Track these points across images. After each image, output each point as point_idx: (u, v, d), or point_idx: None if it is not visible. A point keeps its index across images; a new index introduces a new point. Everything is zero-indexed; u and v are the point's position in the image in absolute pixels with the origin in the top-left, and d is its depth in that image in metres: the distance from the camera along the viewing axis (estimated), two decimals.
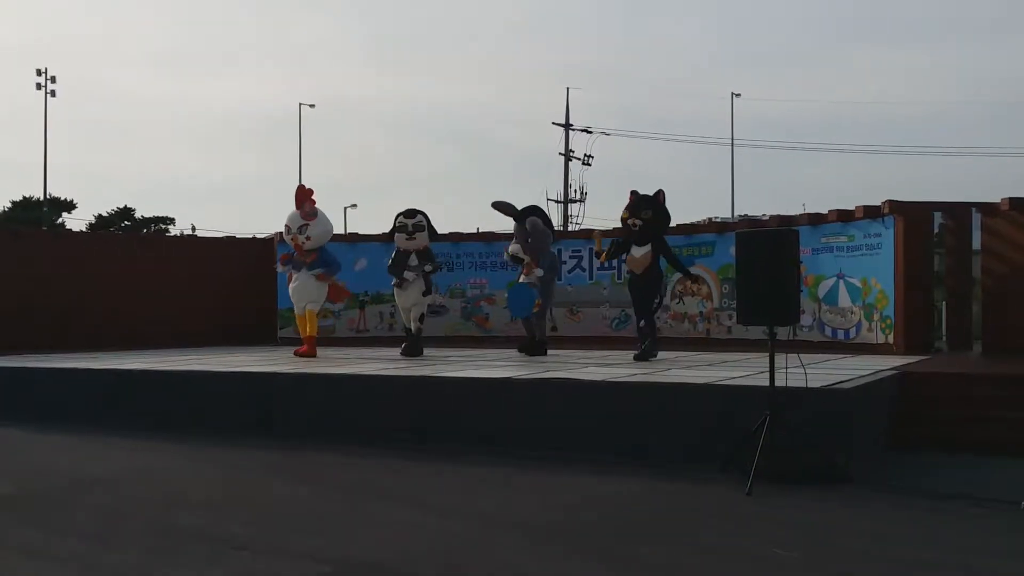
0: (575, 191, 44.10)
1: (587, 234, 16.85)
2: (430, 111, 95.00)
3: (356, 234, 17.27)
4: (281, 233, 13.21)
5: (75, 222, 45.10)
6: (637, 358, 10.60)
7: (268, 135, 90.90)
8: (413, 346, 12.38)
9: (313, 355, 12.29)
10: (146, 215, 45.97)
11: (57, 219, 43.40)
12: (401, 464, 8.10)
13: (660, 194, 10.98)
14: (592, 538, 5.82)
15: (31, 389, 10.99)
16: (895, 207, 12.89)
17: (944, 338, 13.69)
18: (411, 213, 12.58)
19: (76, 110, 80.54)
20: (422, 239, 12.48)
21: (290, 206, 12.68)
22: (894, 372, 9.17)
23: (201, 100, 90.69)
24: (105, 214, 45.32)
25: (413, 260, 12.48)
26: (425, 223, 12.49)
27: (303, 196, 12.61)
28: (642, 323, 11.05)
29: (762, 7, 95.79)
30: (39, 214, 40.94)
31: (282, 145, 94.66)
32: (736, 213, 43.31)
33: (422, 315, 12.67)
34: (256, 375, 10.06)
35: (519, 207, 12.53)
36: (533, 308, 11.87)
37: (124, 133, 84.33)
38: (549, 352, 12.17)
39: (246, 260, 16.80)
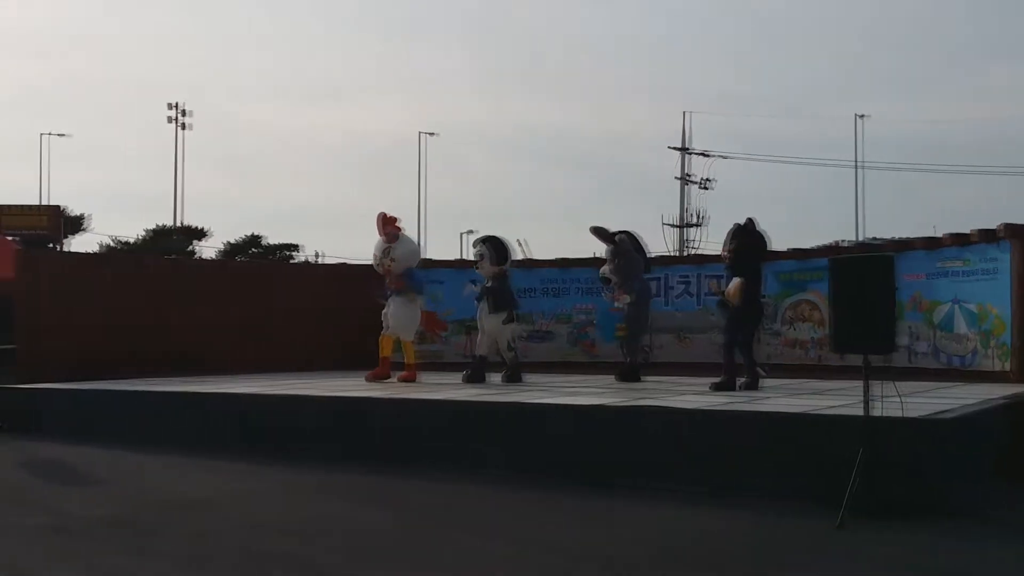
0: (693, 216, 43.71)
1: (696, 260, 16.67)
2: (548, 136, 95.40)
3: (463, 260, 17.40)
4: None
5: (207, 249, 46.87)
6: (743, 387, 10.36)
7: (392, 162, 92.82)
8: (512, 372, 12.36)
9: (414, 379, 12.48)
10: (273, 242, 47.45)
11: (189, 247, 45.16)
12: (491, 493, 8.08)
13: (749, 222, 10.81)
14: (680, 573, 5.71)
15: (143, 412, 11.41)
16: (1011, 231, 12.31)
17: None
18: (476, 243, 12.68)
19: (212, 141, 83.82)
20: (485, 267, 12.46)
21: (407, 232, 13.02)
22: (1004, 401, 8.75)
23: (328, 129, 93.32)
24: (235, 241, 47.00)
25: (486, 283, 12.52)
26: (486, 252, 12.40)
27: (384, 222, 12.80)
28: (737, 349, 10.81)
29: (885, 26, 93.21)
30: (171, 242, 42.66)
31: (405, 172, 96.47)
32: (866, 236, 42.18)
33: (509, 343, 12.53)
34: (351, 399, 10.23)
35: (632, 232, 12.50)
36: (616, 332, 11.82)
37: (256, 162, 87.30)
38: (650, 379, 12.03)
39: (358, 286, 17.09)
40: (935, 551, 6.04)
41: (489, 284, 12.52)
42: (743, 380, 10.44)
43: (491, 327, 12.42)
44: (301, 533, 6.75)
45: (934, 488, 6.86)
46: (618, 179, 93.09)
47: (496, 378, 12.35)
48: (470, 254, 13.53)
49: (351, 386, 11.87)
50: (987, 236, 12.72)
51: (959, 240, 13.26)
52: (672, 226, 42.88)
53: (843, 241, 34.80)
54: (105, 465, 9.75)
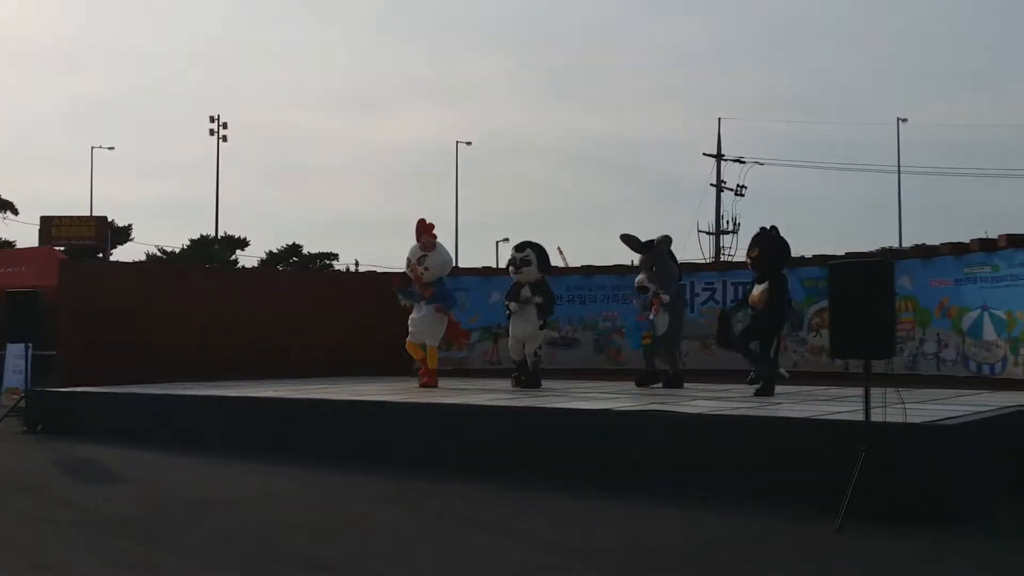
0: (727, 222, 43.64)
1: (721, 266, 16.71)
2: (582, 143, 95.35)
3: (489, 268, 17.62)
4: (400, 274, 13.82)
5: (248, 259, 47.56)
6: (758, 393, 10.48)
7: (428, 171, 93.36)
8: (531, 378, 12.50)
9: (435, 385, 12.70)
10: (312, 251, 48.00)
11: (231, 256, 45.82)
12: (504, 495, 8.25)
13: (773, 229, 10.96)
14: (665, 572, 5.82)
15: (174, 415, 11.77)
16: None
17: None
18: (520, 247, 12.80)
19: (253, 152, 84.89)
20: (528, 273, 12.55)
21: (442, 239, 13.29)
22: (1021, 409, 8.72)
23: (365, 138, 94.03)
24: (275, 251, 47.62)
25: (525, 292, 12.59)
26: (533, 258, 12.56)
27: (423, 229, 13.05)
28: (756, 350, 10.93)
29: (928, 30, 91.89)
30: (213, 252, 43.33)
31: (444, 181, 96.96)
32: (910, 242, 41.73)
33: (536, 350, 12.68)
34: (372, 404, 10.45)
35: (666, 238, 12.56)
36: (642, 340, 11.86)
37: (296, 172, 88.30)
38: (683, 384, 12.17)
39: (386, 294, 17.33)
40: (931, 558, 6.07)
41: (535, 295, 12.52)
42: (758, 386, 10.55)
43: (527, 332, 12.55)
44: (318, 532, 6.94)
45: (937, 495, 6.89)
46: (653, 186, 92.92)
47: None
48: (505, 262, 13.67)
49: (374, 391, 12.07)
50: (1015, 241, 12.66)
51: (987, 246, 13.20)
52: (707, 233, 42.83)
53: (890, 246, 34.45)
54: (134, 465, 10.05)
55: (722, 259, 37.03)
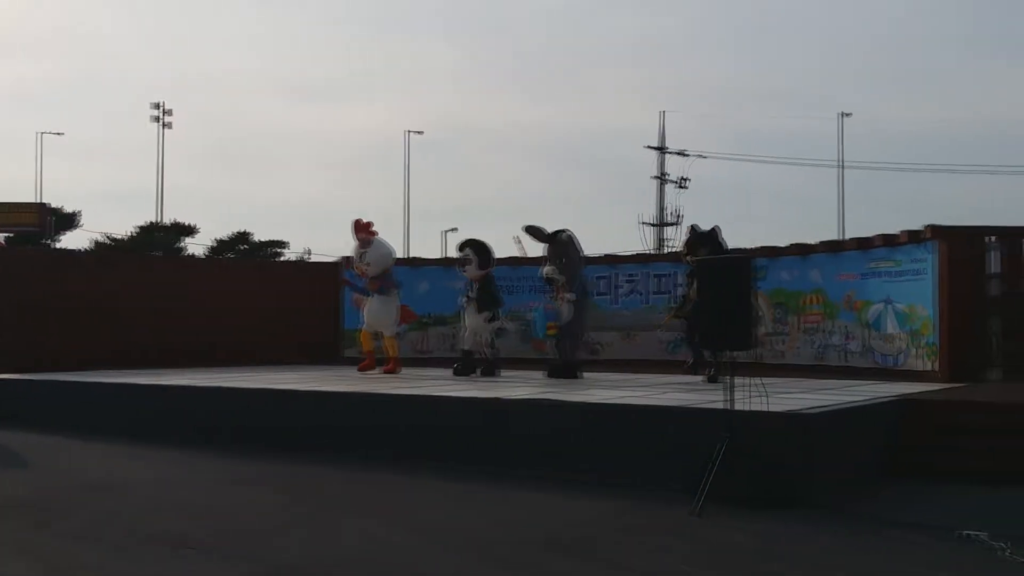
0: (670, 215, 44.24)
1: (642, 259, 17.06)
2: (530, 135, 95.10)
3: (418, 258, 17.88)
4: (346, 257, 14.53)
5: (196, 246, 47.30)
6: (710, 380, 11.03)
7: (380, 159, 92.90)
8: (465, 367, 13.09)
9: (397, 371, 13.52)
10: (262, 239, 47.80)
11: (178, 243, 45.53)
12: (389, 480, 8.56)
13: (716, 229, 11.44)
14: (520, 553, 6.12)
15: (90, 402, 11.93)
16: (937, 232, 12.72)
17: (1000, 367, 13.31)
18: (460, 246, 13.62)
19: (201, 138, 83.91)
20: (471, 271, 13.28)
21: (392, 229, 13.94)
22: (892, 399, 9.13)
23: (316, 126, 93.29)
24: (224, 238, 47.38)
25: (471, 287, 13.35)
26: (472, 256, 13.22)
27: (359, 228, 13.57)
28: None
29: (870, 24, 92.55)
30: (158, 239, 43.10)
31: (396, 170, 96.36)
32: (852, 236, 42.33)
33: (491, 340, 13.34)
34: (276, 392, 10.69)
35: (559, 231, 12.88)
36: (547, 330, 12.23)
37: (253, 160, 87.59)
38: (589, 375, 12.54)
39: (317, 283, 17.54)
40: (772, 538, 6.41)
41: (475, 288, 13.26)
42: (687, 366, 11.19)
43: (475, 325, 13.23)
44: (195, 513, 7.20)
45: (796, 480, 7.26)
46: (598, 177, 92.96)
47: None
48: (453, 251, 14.34)
49: (292, 379, 12.26)
50: (914, 237, 13.12)
51: (888, 241, 13.66)
52: (650, 225, 43.43)
53: (835, 238, 34.98)
54: (44, 450, 10.25)
55: (665, 251, 37.55)
